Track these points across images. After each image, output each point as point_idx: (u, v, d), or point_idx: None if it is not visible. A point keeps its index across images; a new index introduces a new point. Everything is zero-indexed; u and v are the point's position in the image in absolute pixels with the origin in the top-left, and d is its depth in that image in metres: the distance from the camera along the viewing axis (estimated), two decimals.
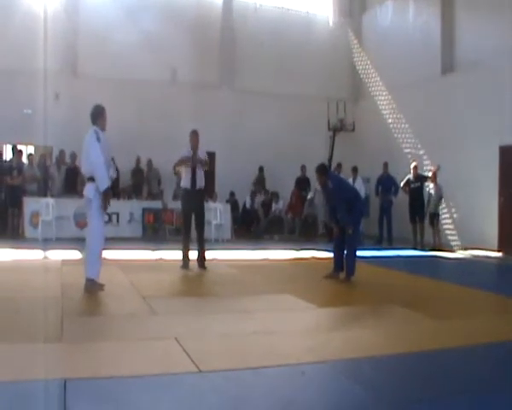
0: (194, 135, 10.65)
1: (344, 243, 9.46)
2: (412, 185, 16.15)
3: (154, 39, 18.11)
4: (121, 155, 17.31)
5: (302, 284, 8.91)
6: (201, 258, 10.54)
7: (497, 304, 8.21)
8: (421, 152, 17.94)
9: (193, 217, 10.71)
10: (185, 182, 10.58)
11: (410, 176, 16.20)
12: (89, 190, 7.74)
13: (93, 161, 7.64)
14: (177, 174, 11.02)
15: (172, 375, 4.38)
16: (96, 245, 7.84)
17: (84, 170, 7.95)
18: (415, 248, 15.67)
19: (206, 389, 4.15)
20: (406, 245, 15.98)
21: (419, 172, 16.21)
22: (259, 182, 19.45)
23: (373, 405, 4.04)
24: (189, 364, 4.60)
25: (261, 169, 19.57)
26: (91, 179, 7.73)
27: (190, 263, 10.51)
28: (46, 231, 14.84)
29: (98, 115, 7.97)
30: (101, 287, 7.76)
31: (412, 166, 16.20)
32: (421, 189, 16.11)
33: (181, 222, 12.03)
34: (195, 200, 10.57)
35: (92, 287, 7.67)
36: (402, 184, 16.44)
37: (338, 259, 9.61)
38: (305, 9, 21.52)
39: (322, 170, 9.62)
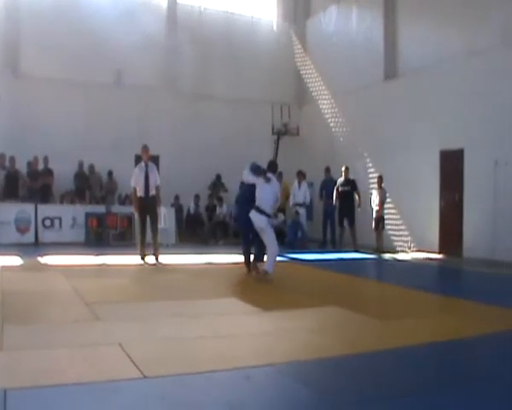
0: (145, 150, 12.55)
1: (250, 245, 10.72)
2: (341, 188, 16.39)
3: (98, 41, 17.84)
4: (64, 159, 17.04)
5: (247, 288, 8.93)
6: (156, 256, 12.32)
7: (438, 304, 8.42)
8: (365, 156, 18.24)
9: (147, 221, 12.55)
10: (140, 191, 12.32)
11: (342, 179, 16.45)
12: (262, 221, 9.69)
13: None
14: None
15: (116, 382, 4.29)
16: (276, 251, 9.89)
17: (265, 206, 9.78)
18: (356, 251, 15.86)
19: (151, 396, 4.09)
20: (350, 248, 16.18)
21: (349, 176, 16.53)
22: (216, 187, 19.49)
23: (319, 406, 4.06)
24: (133, 370, 4.53)
25: (218, 177, 19.63)
26: (264, 213, 9.68)
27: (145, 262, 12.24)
28: None
29: (275, 168, 10.49)
30: (270, 280, 9.57)
31: (343, 168, 16.46)
32: (351, 193, 16.36)
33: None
34: (149, 206, 12.38)
35: (266, 277, 9.59)
36: (335, 188, 16.66)
37: (248, 259, 10.79)
38: (249, 14, 21.66)
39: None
